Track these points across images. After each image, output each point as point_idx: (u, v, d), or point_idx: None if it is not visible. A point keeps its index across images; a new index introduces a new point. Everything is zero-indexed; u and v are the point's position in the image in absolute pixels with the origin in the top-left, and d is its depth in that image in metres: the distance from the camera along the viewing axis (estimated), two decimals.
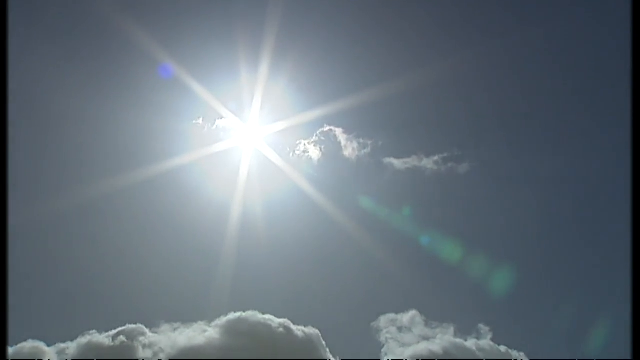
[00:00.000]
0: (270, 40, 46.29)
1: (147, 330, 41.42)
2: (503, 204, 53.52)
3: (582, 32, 54.66)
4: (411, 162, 54.07)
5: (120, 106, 51.18)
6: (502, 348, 40.98)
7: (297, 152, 52.78)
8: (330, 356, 42.11)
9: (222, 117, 58.68)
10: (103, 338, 38.67)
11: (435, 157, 55.56)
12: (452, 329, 46.08)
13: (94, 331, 42.53)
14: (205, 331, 42.51)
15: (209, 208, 52.73)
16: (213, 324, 42.58)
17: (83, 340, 38.49)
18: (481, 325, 48.08)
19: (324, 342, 42.23)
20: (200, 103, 55.05)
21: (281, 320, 40.95)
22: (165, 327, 48.27)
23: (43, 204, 45.24)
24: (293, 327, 41.76)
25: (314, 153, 53.25)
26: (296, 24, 55.34)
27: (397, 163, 53.22)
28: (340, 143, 53.32)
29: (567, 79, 58.37)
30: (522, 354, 39.99)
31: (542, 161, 54.20)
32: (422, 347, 41.11)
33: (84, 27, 54.11)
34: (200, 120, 56.05)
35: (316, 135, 59.28)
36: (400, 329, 47.03)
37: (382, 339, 44.61)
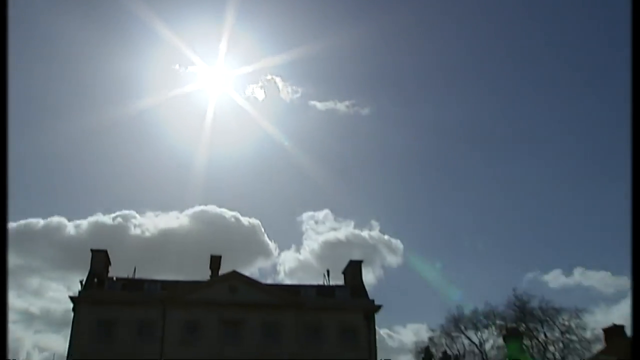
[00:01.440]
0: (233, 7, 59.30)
1: (137, 215, 55.03)
2: (389, 138, 69.16)
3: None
4: (329, 105, 69.76)
5: (117, 54, 63.98)
6: (386, 237, 56.34)
7: (247, 93, 67.12)
8: (267, 240, 56.78)
9: (194, 64, 72.37)
10: (106, 218, 51.75)
11: (347, 102, 71.32)
12: (352, 223, 61.96)
13: (100, 213, 56.45)
14: (178, 218, 56.23)
15: (186, 131, 66.98)
16: (183, 213, 56.20)
17: (92, 219, 51.74)
18: (373, 221, 64.15)
19: (263, 230, 56.72)
20: (178, 52, 68.31)
21: (233, 213, 53.71)
22: (149, 213, 63.06)
23: (64, 127, 58.10)
24: (241, 218, 55.19)
25: (259, 95, 67.77)
26: None
27: (319, 105, 68.47)
28: (278, 88, 67.77)
29: (448, 47, 72.42)
30: (398, 241, 55.69)
31: (423, 108, 69.87)
32: (332, 236, 56.03)
33: None
34: (177, 66, 69.32)
35: (261, 81, 74.04)
36: (316, 222, 62.58)
37: (304, 229, 59.89)
